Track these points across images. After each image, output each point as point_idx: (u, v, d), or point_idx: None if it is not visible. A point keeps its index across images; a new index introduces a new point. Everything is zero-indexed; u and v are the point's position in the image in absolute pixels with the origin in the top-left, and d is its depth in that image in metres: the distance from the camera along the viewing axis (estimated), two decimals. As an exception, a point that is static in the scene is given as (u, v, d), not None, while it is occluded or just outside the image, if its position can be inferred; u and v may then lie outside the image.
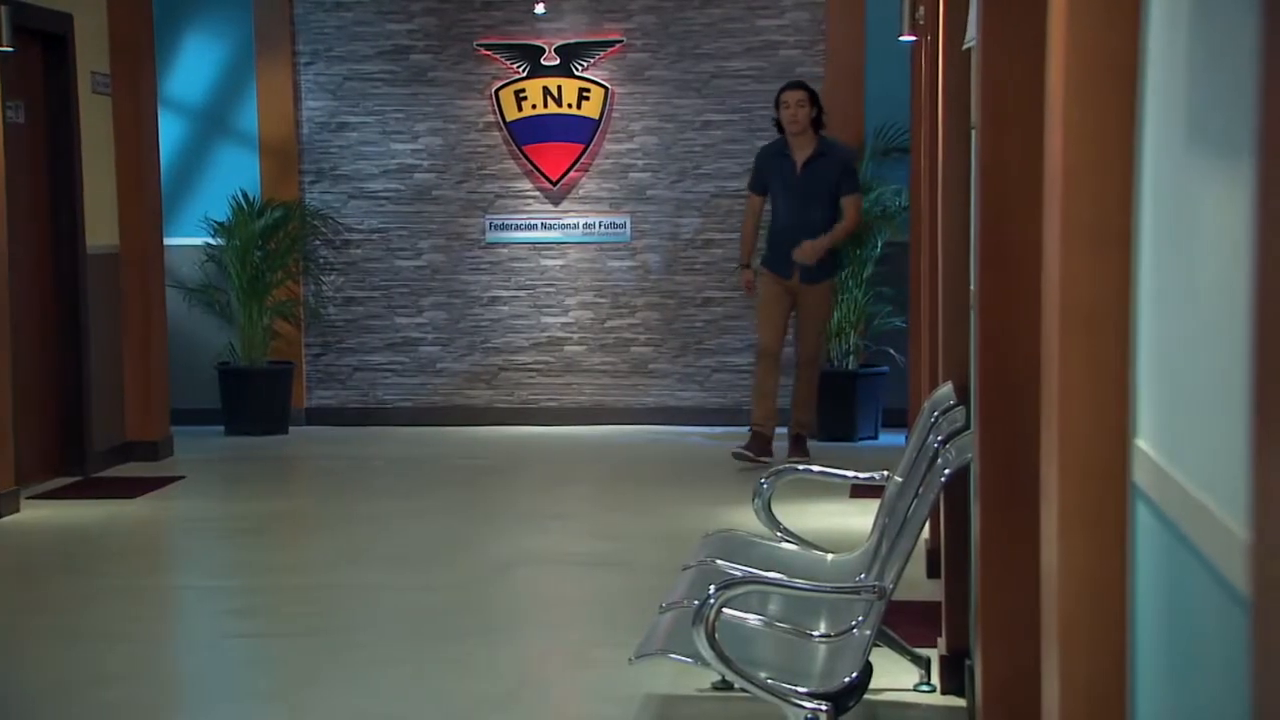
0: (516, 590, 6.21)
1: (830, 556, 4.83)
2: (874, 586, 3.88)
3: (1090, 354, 2.20)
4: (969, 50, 4.27)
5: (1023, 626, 3.18)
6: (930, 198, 6.27)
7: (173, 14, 10.16)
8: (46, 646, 5.33)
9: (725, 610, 3.71)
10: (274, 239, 10.18)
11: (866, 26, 9.89)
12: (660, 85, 10.23)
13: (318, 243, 10.47)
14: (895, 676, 4.65)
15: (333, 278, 10.52)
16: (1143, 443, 2.08)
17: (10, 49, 7.69)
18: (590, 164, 10.31)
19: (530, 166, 10.35)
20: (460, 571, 6.40)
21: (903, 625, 4.81)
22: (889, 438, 9.35)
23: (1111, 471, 2.18)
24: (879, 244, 9.66)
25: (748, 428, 8.67)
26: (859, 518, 6.62)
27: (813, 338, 8.77)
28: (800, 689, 3.70)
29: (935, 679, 4.63)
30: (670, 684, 4.68)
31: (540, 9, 10.15)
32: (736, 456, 8.46)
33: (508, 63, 10.32)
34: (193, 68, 10.40)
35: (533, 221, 10.39)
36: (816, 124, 8.60)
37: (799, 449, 8.68)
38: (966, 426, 4.16)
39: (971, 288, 4.17)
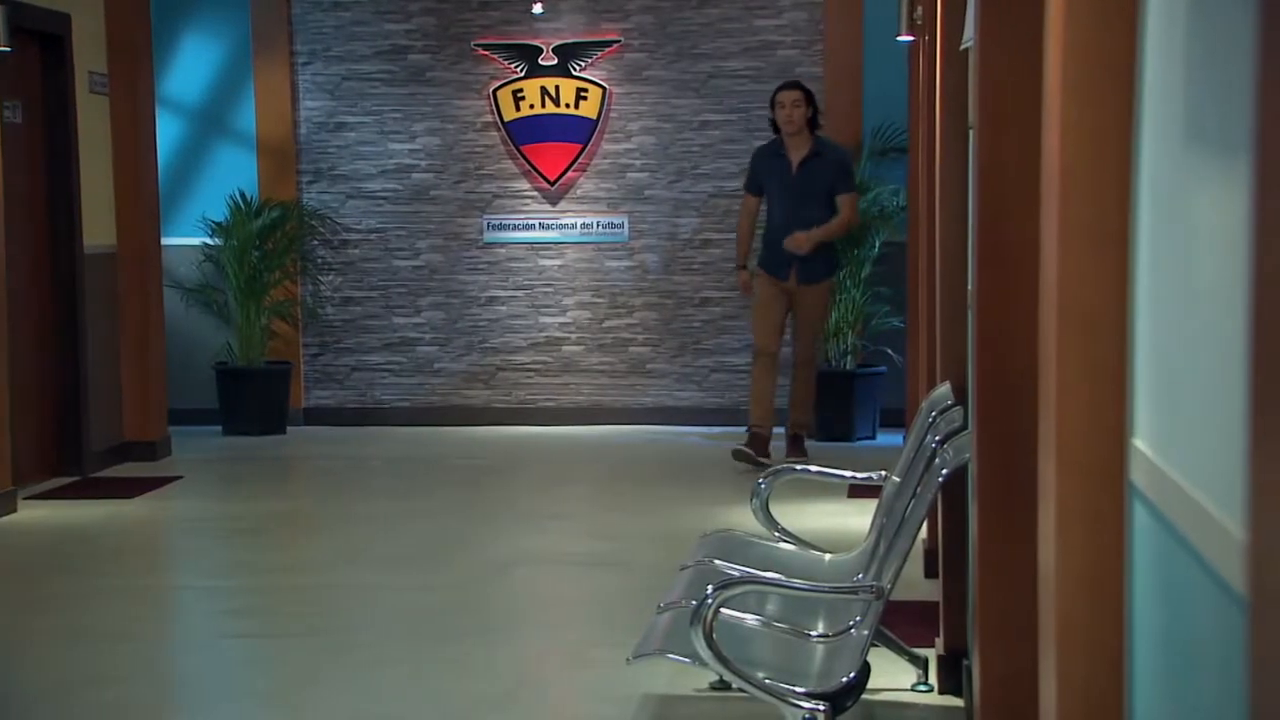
0: (514, 590, 6.21)
1: (828, 556, 4.84)
2: (872, 586, 3.89)
3: (1088, 354, 2.20)
4: (967, 50, 4.27)
5: (1020, 626, 3.18)
6: (928, 198, 6.27)
7: (170, 14, 10.16)
8: (44, 647, 5.32)
9: (723, 610, 3.71)
10: (272, 239, 10.18)
11: (864, 26, 9.89)
12: (658, 85, 10.23)
13: (315, 243, 10.46)
14: (893, 676, 4.65)
15: (330, 278, 10.52)
16: (1140, 442, 2.08)
17: (8, 49, 7.68)
18: (588, 164, 10.31)
19: (528, 166, 10.35)
20: (458, 571, 6.40)
21: (900, 625, 4.81)
22: (887, 438, 9.35)
23: (1109, 471, 2.18)
24: (877, 244, 9.66)
25: (746, 428, 8.65)
26: (857, 518, 6.63)
27: (809, 338, 8.76)
28: (798, 689, 3.70)
29: (933, 679, 4.63)
30: (668, 684, 4.68)
31: (538, 9, 10.15)
32: (737, 455, 8.43)
33: (505, 63, 10.32)
34: (190, 67, 10.39)
35: (530, 221, 10.39)
36: (812, 124, 8.59)
37: (797, 449, 8.68)
38: (964, 426, 4.16)
39: (969, 288, 4.17)
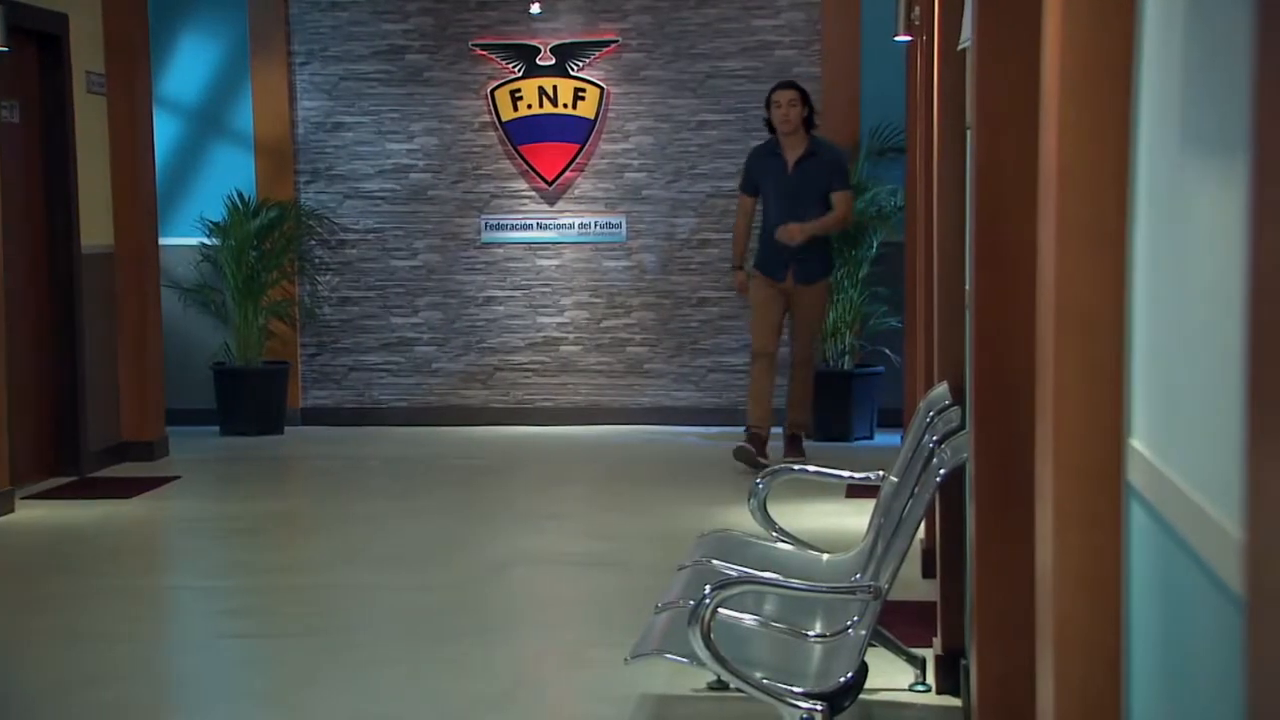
0: (512, 590, 6.21)
1: (826, 556, 4.84)
2: (869, 586, 3.89)
3: (1085, 354, 2.21)
4: (964, 50, 4.28)
5: (1018, 626, 3.18)
6: (925, 198, 6.27)
7: (168, 14, 10.16)
8: (42, 647, 5.32)
9: (721, 610, 3.71)
10: (269, 239, 10.18)
11: (862, 27, 9.89)
12: (656, 85, 10.23)
13: (313, 243, 10.46)
14: (891, 676, 4.65)
15: (328, 278, 10.52)
16: (1137, 442, 2.08)
17: (5, 49, 7.68)
18: (586, 164, 10.31)
19: (526, 166, 10.35)
20: (456, 571, 6.40)
21: (898, 625, 4.82)
22: (884, 438, 9.36)
23: (1106, 471, 2.18)
24: (874, 244, 9.67)
25: (745, 429, 8.63)
26: (854, 518, 6.63)
27: (807, 339, 8.75)
28: (795, 689, 3.70)
29: (930, 679, 4.64)
30: (666, 684, 4.68)
31: (536, 9, 10.15)
32: (738, 454, 8.39)
33: (503, 63, 10.32)
34: (188, 67, 10.39)
35: (528, 221, 10.39)
36: (808, 124, 8.58)
37: (795, 449, 8.67)
38: (962, 426, 4.16)
39: (967, 288, 4.17)
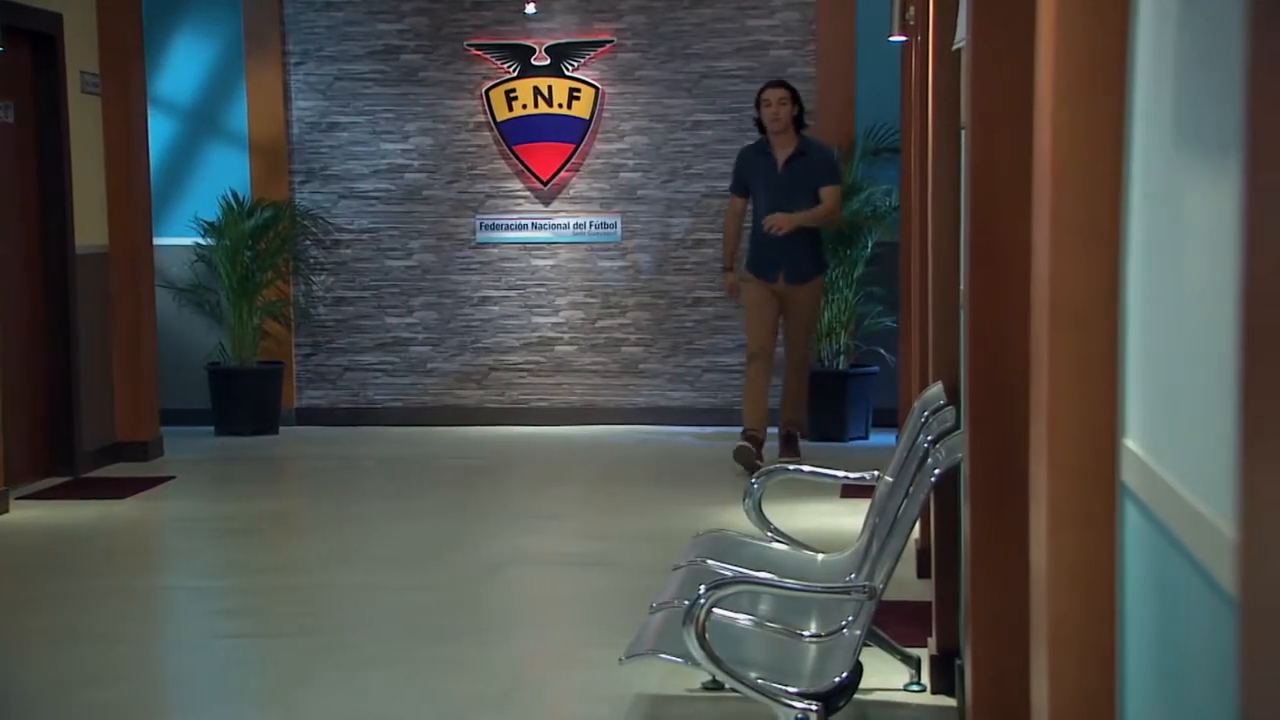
0: (508, 590, 6.21)
1: (821, 556, 4.84)
2: (864, 586, 3.89)
3: (1079, 353, 2.21)
4: (959, 50, 4.28)
5: (1012, 626, 3.18)
6: (920, 198, 6.28)
7: (162, 14, 10.15)
8: (38, 647, 5.32)
9: (716, 610, 3.71)
10: (264, 239, 10.17)
11: (857, 27, 9.90)
12: (651, 85, 10.23)
13: (308, 243, 10.46)
14: (885, 676, 4.65)
15: (323, 278, 10.51)
16: (1131, 442, 2.08)
17: (0, 48, 7.67)
18: (581, 164, 10.31)
19: (521, 166, 10.34)
20: (452, 572, 6.40)
21: (893, 625, 4.82)
22: (879, 438, 9.36)
23: (1100, 471, 2.18)
24: (869, 244, 9.67)
25: (741, 431, 8.58)
26: (849, 518, 6.63)
27: (801, 340, 8.72)
28: (790, 689, 3.70)
29: (925, 679, 4.64)
30: (661, 684, 4.68)
31: (531, 9, 10.14)
32: (738, 456, 8.33)
33: (498, 63, 10.32)
34: (182, 67, 10.38)
35: (523, 221, 10.39)
36: (798, 123, 8.55)
37: (790, 448, 8.66)
38: (956, 426, 4.16)
39: (961, 287, 4.17)
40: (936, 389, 4.68)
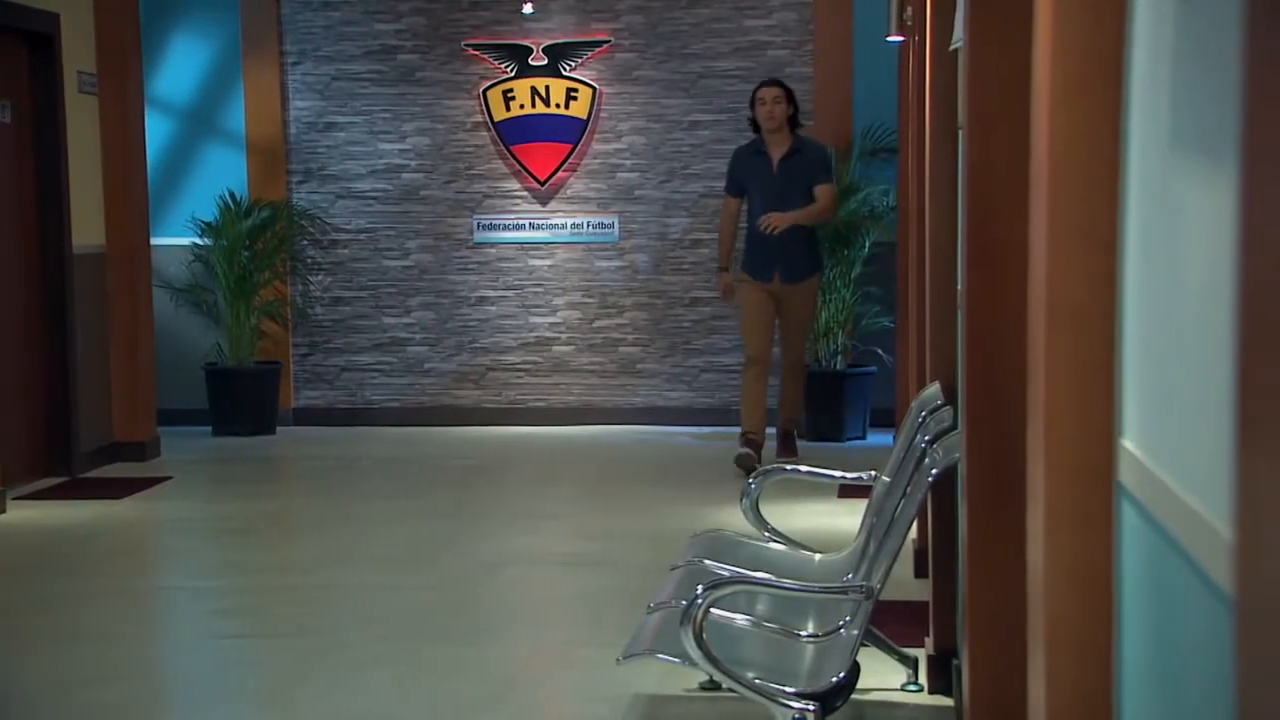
0: (505, 590, 6.21)
1: (818, 556, 4.84)
2: (861, 586, 3.89)
3: (1076, 353, 2.21)
4: (956, 50, 4.28)
5: (1009, 626, 3.18)
6: (918, 198, 6.28)
7: (159, 13, 10.14)
8: (35, 647, 5.31)
9: (713, 610, 3.71)
10: (261, 239, 10.17)
11: (854, 27, 9.90)
12: (648, 85, 10.23)
13: (305, 243, 10.46)
14: (883, 676, 4.66)
15: (320, 278, 10.51)
16: (1128, 442, 2.08)
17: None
18: (578, 164, 10.31)
19: (518, 166, 10.34)
20: (449, 572, 6.40)
21: (890, 625, 4.82)
22: (877, 437, 9.36)
23: (1097, 471, 2.18)
24: (867, 244, 9.67)
25: (740, 435, 8.51)
26: (847, 518, 6.63)
27: (798, 340, 8.68)
28: (788, 689, 3.70)
29: (923, 679, 4.64)
30: (658, 684, 4.68)
31: (528, 9, 10.15)
32: (739, 462, 8.27)
33: (495, 63, 10.32)
34: (180, 67, 10.38)
35: (521, 221, 10.39)
36: (793, 122, 8.53)
37: (788, 447, 8.65)
38: (954, 426, 4.16)
39: (959, 287, 4.18)
40: (934, 389, 4.68)
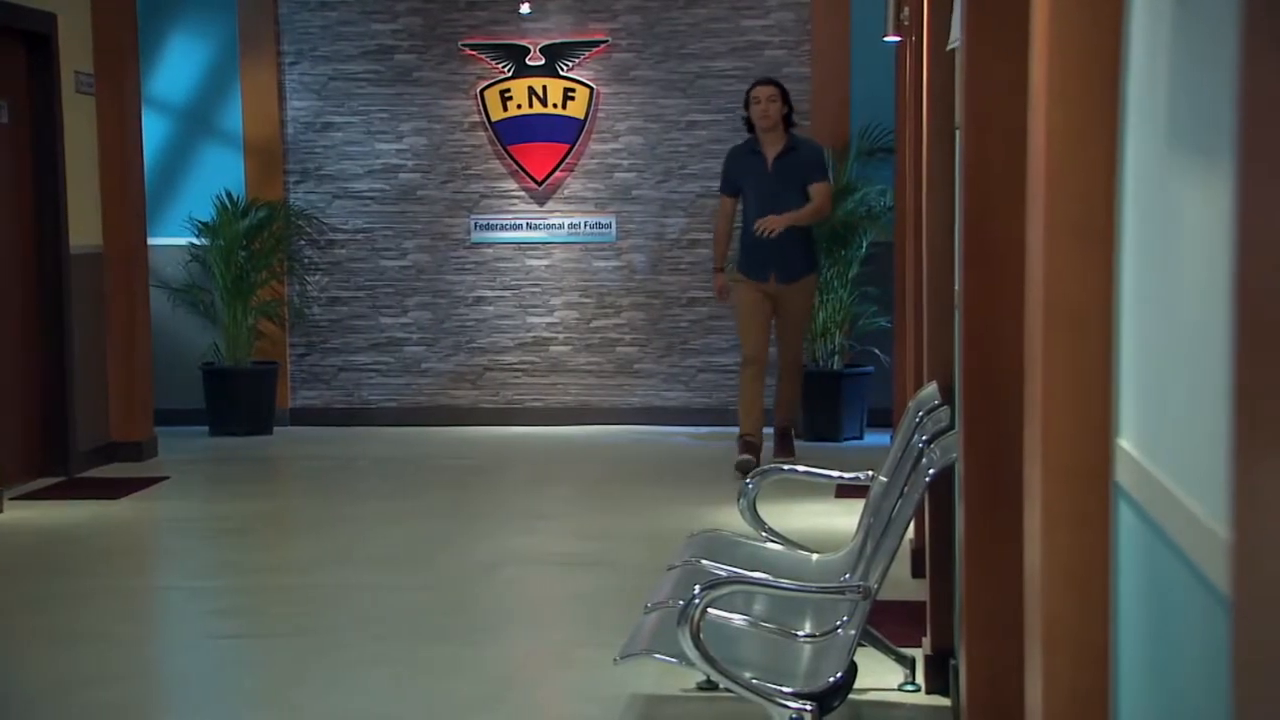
0: (502, 590, 6.21)
1: (815, 556, 4.84)
2: (859, 586, 3.89)
3: (1073, 353, 2.21)
4: (953, 50, 4.28)
5: (1007, 626, 3.19)
6: (915, 198, 6.28)
7: (157, 13, 10.14)
8: (32, 647, 5.31)
9: (710, 610, 3.71)
10: (258, 239, 10.17)
11: (851, 27, 9.90)
12: (645, 85, 10.23)
13: (302, 243, 10.45)
14: (880, 676, 4.66)
15: (317, 278, 10.51)
16: (1125, 442, 2.08)
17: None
18: (575, 164, 10.31)
19: (515, 166, 10.34)
20: (446, 572, 6.40)
21: (887, 625, 4.82)
22: (874, 438, 9.36)
23: (1094, 471, 2.18)
24: (864, 244, 9.67)
25: (738, 438, 8.45)
26: (844, 518, 6.63)
27: (795, 340, 8.62)
28: (785, 689, 3.70)
29: (920, 678, 4.64)
30: (655, 684, 4.68)
31: (525, 9, 10.14)
32: (740, 468, 8.22)
33: (493, 63, 10.31)
34: (177, 67, 10.38)
35: (518, 221, 10.39)
36: (787, 121, 8.51)
37: (785, 446, 8.63)
38: (951, 426, 4.16)
39: (956, 287, 4.18)
40: (931, 389, 4.69)
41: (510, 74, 10.29)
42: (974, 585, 3.51)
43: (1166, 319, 1.86)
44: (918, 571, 5.73)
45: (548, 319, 10.43)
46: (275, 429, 10.19)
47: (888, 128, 9.49)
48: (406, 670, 4.97)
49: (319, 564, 6.60)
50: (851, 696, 4.01)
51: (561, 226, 10.35)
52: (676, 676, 4.60)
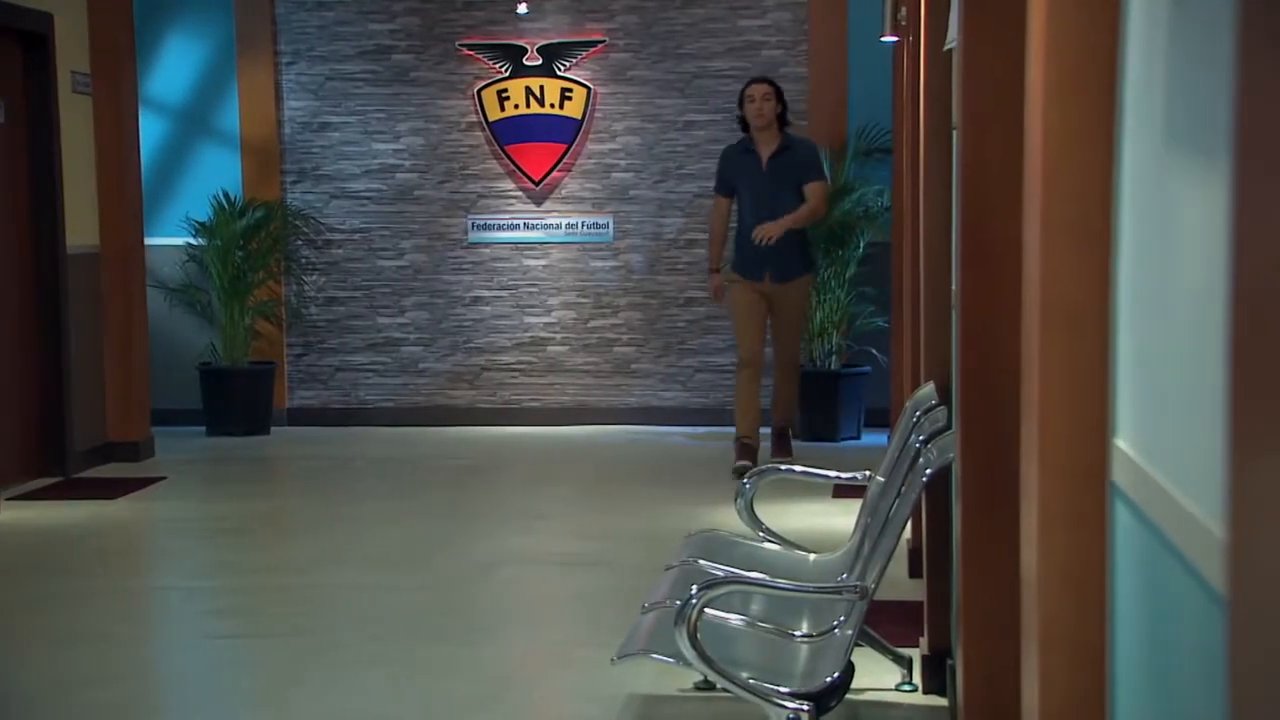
0: (499, 590, 6.21)
1: (812, 556, 4.84)
2: (856, 586, 3.89)
3: (1070, 353, 2.21)
4: (950, 51, 4.28)
5: (1003, 625, 3.19)
6: (912, 198, 6.28)
7: (154, 13, 10.14)
8: (28, 648, 5.31)
9: (707, 610, 3.71)
10: (255, 239, 10.17)
11: (848, 27, 9.90)
12: (643, 85, 10.23)
13: (299, 243, 10.45)
14: (877, 676, 4.66)
15: (314, 278, 10.51)
16: (1122, 442, 2.08)
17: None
18: (573, 164, 10.31)
19: (513, 166, 10.34)
20: (443, 572, 6.40)
21: (884, 625, 4.82)
22: (871, 438, 9.36)
23: (1091, 471, 2.19)
24: (861, 244, 9.67)
25: (734, 441, 8.42)
26: (841, 518, 6.63)
27: (792, 340, 8.57)
28: (782, 689, 3.70)
29: (917, 678, 4.64)
30: (652, 684, 4.68)
31: (523, 9, 10.14)
32: (738, 474, 8.20)
33: (490, 63, 10.31)
34: (174, 67, 10.37)
35: (515, 221, 10.39)
36: (781, 120, 8.48)
37: (782, 446, 8.62)
38: (948, 426, 4.17)
39: (953, 287, 4.18)
40: (928, 389, 4.69)
41: (507, 74, 10.29)
42: (971, 585, 3.51)
43: (1163, 319, 1.86)
44: (915, 571, 5.73)
45: (545, 319, 10.43)
46: (272, 429, 10.19)
47: (885, 128, 9.50)
48: (404, 670, 4.97)
49: (316, 564, 6.60)
50: (848, 696, 4.01)
51: (559, 226, 10.35)
52: (674, 676, 4.60)
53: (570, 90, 10.25)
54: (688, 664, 3.69)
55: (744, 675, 3.74)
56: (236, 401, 10.09)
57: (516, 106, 10.28)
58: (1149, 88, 1.94)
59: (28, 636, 5.46)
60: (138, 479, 8.52)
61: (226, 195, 10.21)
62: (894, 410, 8.25)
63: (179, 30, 10.38)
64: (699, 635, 3.61)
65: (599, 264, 10.35)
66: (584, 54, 10.22)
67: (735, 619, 4.19)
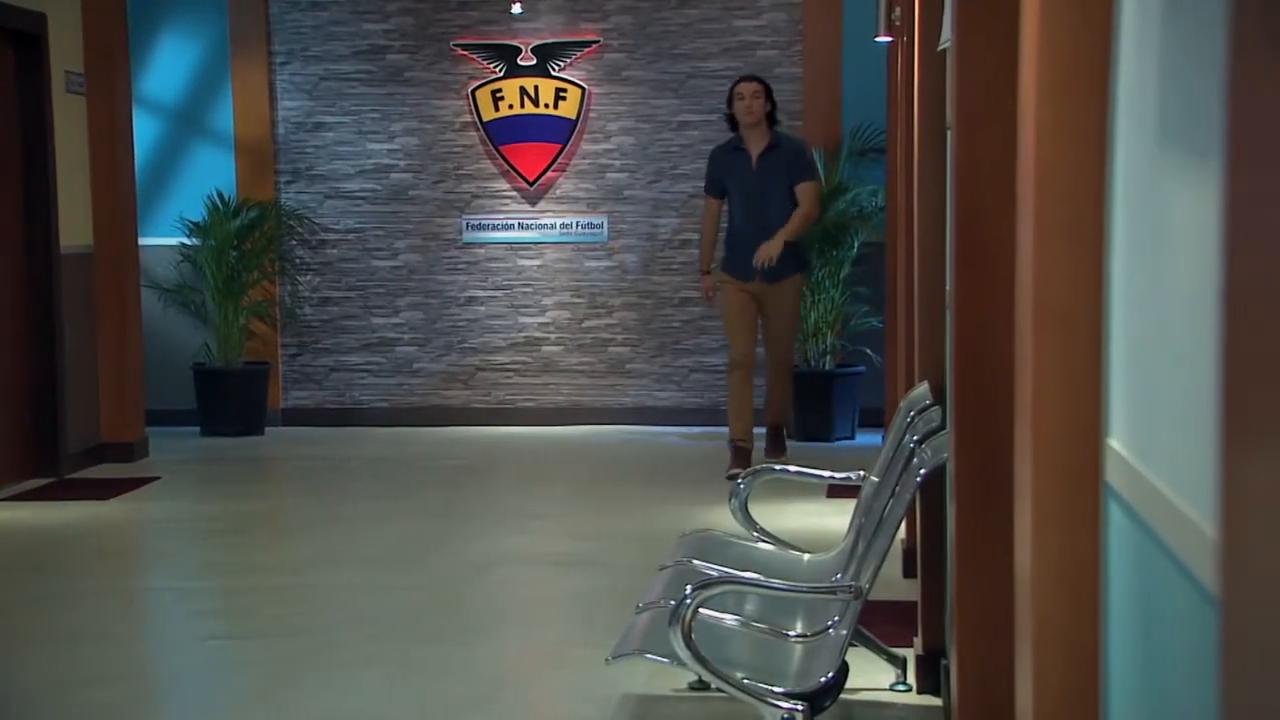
0: (494, 591, 6.21)
1: (807, 556, 4.84)
2: (850, 586, 3.89)
3: (1064, 353, 2.21)
4: (944, 51, 4.28)
5: (998, 625, 3.19)
6: (906, 198, 6.28)
7: (147, 13, 10.13)
8: (24, 648, 5.30)
9: (702, 610, 3.71)
10: (250, 239, 10.16)
11: (843, 27, 9.90)
12: (637, 85, 10.23)
13: (294, 243, 10.45)
14: (871, 676, 4.66)
15: (309, 278, 10.50)
16: (1115, 442, 2.09)
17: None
18: (567, 164, 10.31)
19: (507, 166, 10.34)
20: (438, 572, 6.39)
21: (879, 625, 4.82)
22: (866, 438, 9.36)
23: (1085, 471, 2.19)
24: (855, 244, 9.67)
25: (728, 443, 8.39)
26: (835, 518, 6.64)
27: (783, 340, 8.51)
28: (776, 689, 3.70)
29: (911, 678, 4.64)
30: (647, 684, 4.68)
31: (517, 9, 10.14)
32: (732, 479, 8.19)
33: (484, 63, 10.31)
34: (168, 67, 10.37)
35: (510, 221, 10.39)
36: (770, 118, 8.46)
37: (776, 445, 8.61)
38: (942, 426, 4.17)
39: (947, 287, 4.18)
40: (922, 389, 4.69)
41: (502, 74, 10.29)
42: (965, 585, 3.51)
43: (1156, 319, 1.86)
44: (909, 571, 5.74)
45: (539, 319, 10.42)
46: (267, 429, 10.18)
47: (879, 128, 9.50)
48: (399, 670, 4.97)
49: (311, 564, 6.60)
50: (843, 696, 4.02)
51: (553, 226, 10.35)
52: (668, 676, 4.60)
53: (565, 90, 10.25)
54: (682, 664, 3.69)
55: (738, 675, 3.74)
56: (231, 402, 10.08)
57: (511, 106, 10.28)
58: (1142, 87, 1.94)
59: (23, 636, 5.45)
60: (132, 479, 8.51)
61: (221, 195, 10.20)
62: (888, 410, 8.25)
63: (173, 30, 10.37)
64: (693, 635, 3.62)
65: (593, 264, 10.35)
66: (578, 54, 10.22)
67: (730, 619, 4.19)
